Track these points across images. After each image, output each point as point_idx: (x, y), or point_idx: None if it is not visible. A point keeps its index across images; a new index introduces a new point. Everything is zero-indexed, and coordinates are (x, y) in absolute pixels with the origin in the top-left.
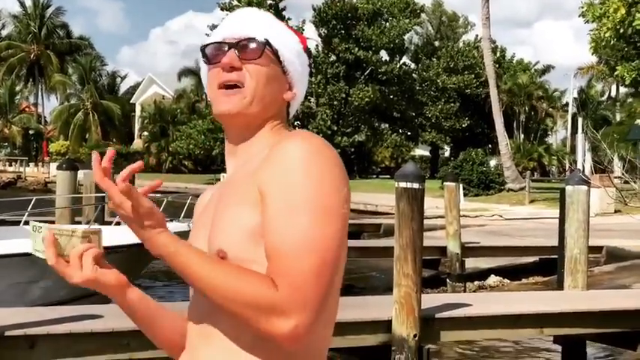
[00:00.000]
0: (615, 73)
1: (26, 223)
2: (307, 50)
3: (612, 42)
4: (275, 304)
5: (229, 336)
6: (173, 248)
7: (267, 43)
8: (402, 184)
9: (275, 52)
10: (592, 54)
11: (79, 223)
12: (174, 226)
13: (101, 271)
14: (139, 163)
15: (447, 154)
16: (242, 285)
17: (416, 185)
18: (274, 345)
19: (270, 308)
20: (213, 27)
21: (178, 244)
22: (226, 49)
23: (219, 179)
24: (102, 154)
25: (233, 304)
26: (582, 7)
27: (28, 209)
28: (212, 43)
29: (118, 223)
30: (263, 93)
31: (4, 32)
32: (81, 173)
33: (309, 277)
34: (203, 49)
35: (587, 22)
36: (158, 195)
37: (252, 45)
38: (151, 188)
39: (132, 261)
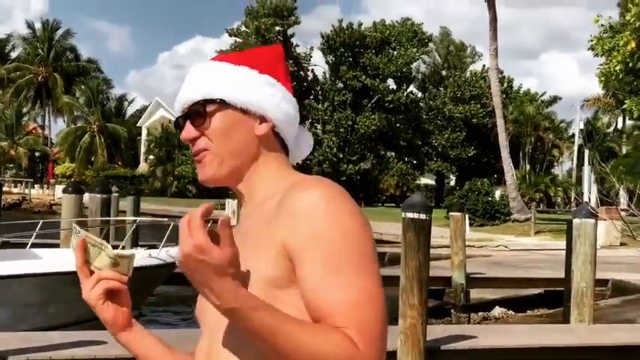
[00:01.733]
0: (623, 106)
1: (33, 245)
2: (278, 63)
3: (621, 76)
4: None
5: None
6: (255, 302)
7: (204, 101)
8: (409, 215)
9: (222, 102)
10: (602, 88)
11: None
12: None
13: (100, 306)
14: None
15: (452, 183)
16: (326, 341)
17: (423, 216)
18: None
19: None
20: (220, 52)
21: (258, 298)
22: (182, 121)
23: (223, 204)
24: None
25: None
26: (592, 41)
27: (35, 232)
28: (176, 119)
29: (123, 248)
30: (228, 147)
31: (14, 54)
32: (86, 196)
33: (376, 328)
34: (175, 124)
35: (597, 55)
36: (165, 219)
37: (195, 109)
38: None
39: (138, 284)
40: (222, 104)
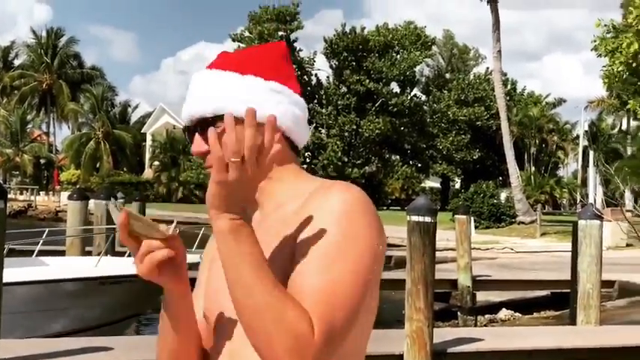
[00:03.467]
0: (627, 107)
1: (39, 253)
2: (284, 61)
3: (624, 76)
4: (308, 346)
5: None
6: (250, 229)
7: (215, 117)
8: (414, 218)
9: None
10: (606, 90)
11: (90, 253)
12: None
13: (156, 277)
14: None
15: (457, 185)
16: (293, 310)
17: (428, 219)
18: None
19: (302, 348)
20: (221, 52)
21: (249, 230)
22: (193, 133)
23: None
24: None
25: (267, 321)
26: (595, 41)
27: (41, 240)
28: (184, 128)
29: (129, 255)
30: None
31: (17, 62)
32: (92, 203)
33: (340, 332)
34: (184, 132)
35: (600, 56)
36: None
37: (205, 124)
38: None
39: (143, 291)
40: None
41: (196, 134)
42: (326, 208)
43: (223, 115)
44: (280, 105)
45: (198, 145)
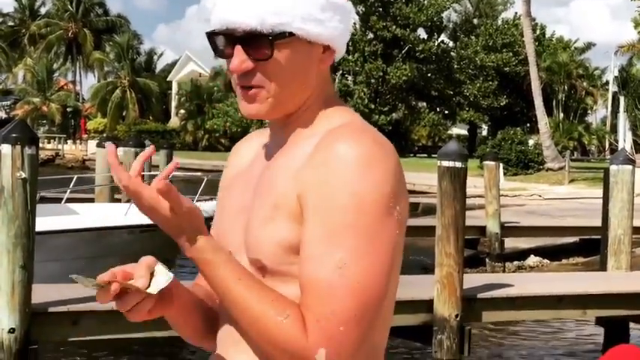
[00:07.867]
0: None
1: (68, 200)
2: None
3: None
4: (304, 351)
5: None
6: (210, 255)
7: (275, 36)
8: (445, 163)
9: (291, 35)
10: (638, 32)
11: (119, 200)
12: (214, 204)
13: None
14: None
15: (484, 132)
16: (274, 317)
17: (459, 164)
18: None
19: (298, 353)
20: None
21: (217, 254)
22: (231, 42)
23: None
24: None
25: (258, 336)
26: None
27: (70, 187)
28: (215, 33)
29: None
30: (290, 88)
31: (43, 10)
32: (120, 151)
33: (345, 324)
34: (209, 37)
35: None
36: (198, 173)
37: (259, 43)
38: (168, 172)
39: (167, 241)
40: (292, 37)
41: (238, 46)
42: (334, 164)
43: (280, 32)
44: (341, 24)
45: (241, 61)
